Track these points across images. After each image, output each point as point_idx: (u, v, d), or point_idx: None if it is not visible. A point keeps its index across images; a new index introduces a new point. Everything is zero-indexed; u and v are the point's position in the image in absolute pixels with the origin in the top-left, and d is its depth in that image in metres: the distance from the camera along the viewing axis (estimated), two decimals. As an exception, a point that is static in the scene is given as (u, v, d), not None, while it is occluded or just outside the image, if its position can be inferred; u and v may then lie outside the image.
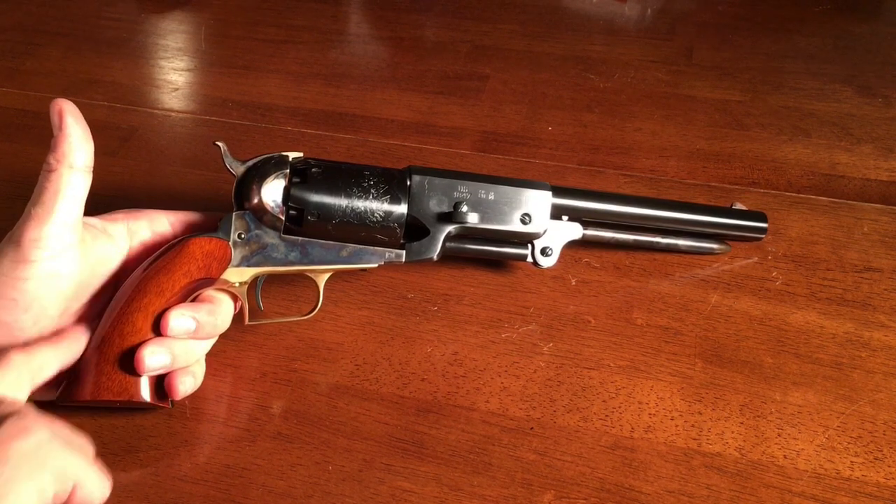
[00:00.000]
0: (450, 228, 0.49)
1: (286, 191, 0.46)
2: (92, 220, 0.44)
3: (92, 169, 0.42)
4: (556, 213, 0.52)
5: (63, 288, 0.42)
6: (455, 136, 0.72)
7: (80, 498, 0.36)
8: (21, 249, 0.40)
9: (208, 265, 0.45)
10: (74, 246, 0.42)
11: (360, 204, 0.47)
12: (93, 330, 0.44)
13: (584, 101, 0.77)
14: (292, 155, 0.47)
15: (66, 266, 0.41)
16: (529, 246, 0.53)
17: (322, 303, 0.50)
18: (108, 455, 0.44)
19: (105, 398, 0.43)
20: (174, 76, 0.80)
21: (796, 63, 0.82)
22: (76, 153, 0.41)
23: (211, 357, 0.48)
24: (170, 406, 0.46)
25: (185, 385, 0.44)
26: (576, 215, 0.53)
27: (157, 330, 0.44)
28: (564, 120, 0.74)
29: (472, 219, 0.49)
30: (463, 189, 0.49)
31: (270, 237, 0.46)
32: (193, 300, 0.46)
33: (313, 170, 0.47)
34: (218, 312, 0.46)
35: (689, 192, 0.65)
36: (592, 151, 0.70)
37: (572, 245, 0.55)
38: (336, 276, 0.55)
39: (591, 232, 0.54)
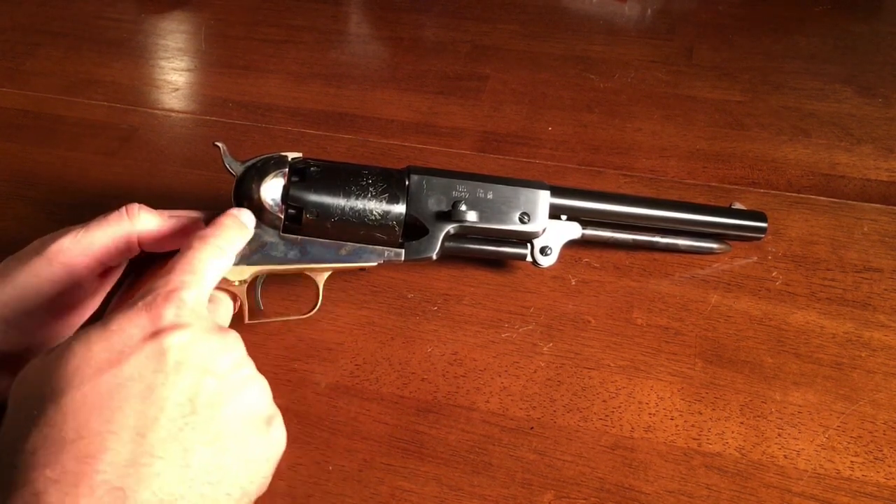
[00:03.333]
0: (449, 227, 0.49)
1: (285, 189, 0.46)
2: None
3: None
4: (555, 212, 0.52)
5: (82, 311, 0.42)
6: (455, 136, 0.72)
7: None
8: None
9: (208, 264, 0.45)
10: (104, 278, 0.43)
11: (359, 203, 0.47)
12: None
13: (584, 101, 0.77)
14: (291, 155, 0.48)
15: (89, 294, 0.42)
16: (528, 245, 0.53)
17: (322, 302, 0.50)
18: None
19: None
20: (174, 76, 0.80)
21: (796, 63, 0.82)
22: (151, 224, 0.42)
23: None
24: None
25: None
26: (574, 215, 0.53)
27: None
28: (564, 120, 0.74)
29: (471, 217, 0.49)
30: (461, 188, 0.49)
31: (270, 236, 0.46)
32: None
33: (312, 169, 0.47)
34: (217, 311, 0.46)
35: (689, 192, 0.65)
36: (592, 151, 0.70)
37: (572, 245, 0.55)
38: (336, 275, 0.54)
39: (591, 231, 0.54)
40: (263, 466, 0.34)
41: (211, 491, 0.31)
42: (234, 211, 0.43)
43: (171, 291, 0.34)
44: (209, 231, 0.40)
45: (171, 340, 0.33)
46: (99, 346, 0.32)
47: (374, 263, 0.48)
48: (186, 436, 0.31)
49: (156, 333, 0.33)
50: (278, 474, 0.44)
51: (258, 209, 0.46)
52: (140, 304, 0.34)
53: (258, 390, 0.36)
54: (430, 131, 0.73)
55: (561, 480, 0.45)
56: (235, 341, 0.36)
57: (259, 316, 0.50)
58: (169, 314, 0.33)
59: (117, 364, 0.31)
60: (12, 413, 0.32)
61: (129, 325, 0.33)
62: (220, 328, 0.36)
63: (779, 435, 0.47)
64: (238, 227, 0.42)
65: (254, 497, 0.34)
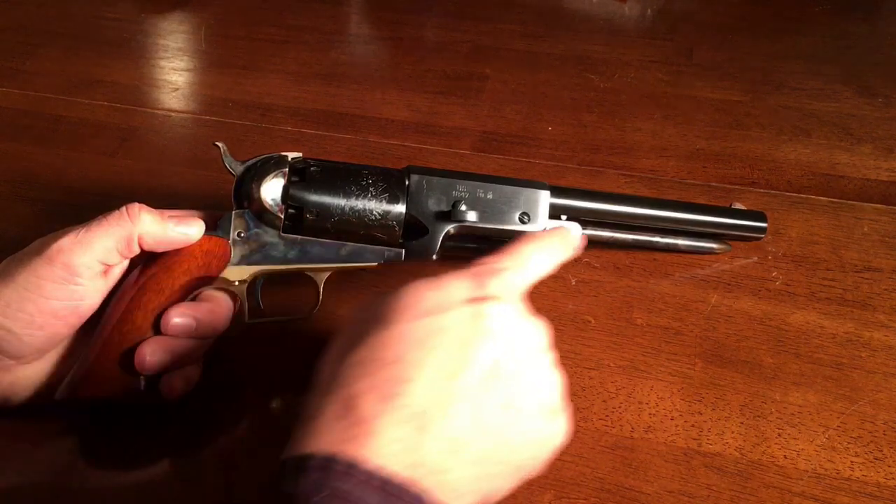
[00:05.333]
0: (449, 227, 0.49)
1: (285, 189, 0.46)
2: None
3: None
4: (555, 212, 0.52)
5: (83, 311, 0.42)
6: (455, 136, 0.72)
7: None
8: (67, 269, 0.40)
9: (208, 263, 0.45)
10: (105, 277, 0.42)
11: (359, 203, 0.47)
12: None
13: (584, 101, 0.77)
14: (291, 155, 0.48)
15: (90, 294, 0.42)
16: (529, 245, 0.53)
17: (322, 302, 0.50)
18: (110, 456, 0.44)
19: (105, 396, 0.43)
20: (174, 76, 0.80)
21: (796, 63, 0.82)
22: (151, 224, 0.43)
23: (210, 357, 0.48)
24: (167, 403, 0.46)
25: (183, 384, 0.44)
26: (574, 215, 0.53)
27: (158, 329, 0.44)
28: (564, 120, 0.74)
29: (471, 217, 0.49)
30: (461, 188, 0.49)
31: (270, 236, 0.46)
32: (193, 299, 0.46)
33: (312, 169, 0.47)
34: (217, 312, 0.46)
35: (689, 192, 0.65)
36: (592, 151, 0.70)
37: (572, 245, 0.55)
38: (336, 275, 0.54)
39: (591, 231, 0.54)
40: (540, 450, 0.36)
41: (492, 452, 0.33)
42: (567, 224, 0.47)
43: (498, 269, 0.37)
44: (540, 233, 0.44)
45: (490, 309, 0.35)
46: (428, 294, 0.35)
47: (375, 263, 0.48)
48: (485, 393, 0.33)
49: (478, 299, 0.35)
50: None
51: (258, 209, 0.46)
52: (471, 270, 0.37)
53: (554, 380, 0.37)
54: (430, 131, 0.73)
55: (561, 480, 0.45)
56: (544, 330, 0.38)
57: (259, 316, 0.50)
58: (492, 286, 0.36)
59: (440, 313, 0.34)
60: (344, 334, 0.36)
61: (457, 285, 0.36)
62: (534, 315, 0.37)
63: (779, 435, 0.47)
64: (565, 236, 0.44)
65: (523, 476, 0.36)
